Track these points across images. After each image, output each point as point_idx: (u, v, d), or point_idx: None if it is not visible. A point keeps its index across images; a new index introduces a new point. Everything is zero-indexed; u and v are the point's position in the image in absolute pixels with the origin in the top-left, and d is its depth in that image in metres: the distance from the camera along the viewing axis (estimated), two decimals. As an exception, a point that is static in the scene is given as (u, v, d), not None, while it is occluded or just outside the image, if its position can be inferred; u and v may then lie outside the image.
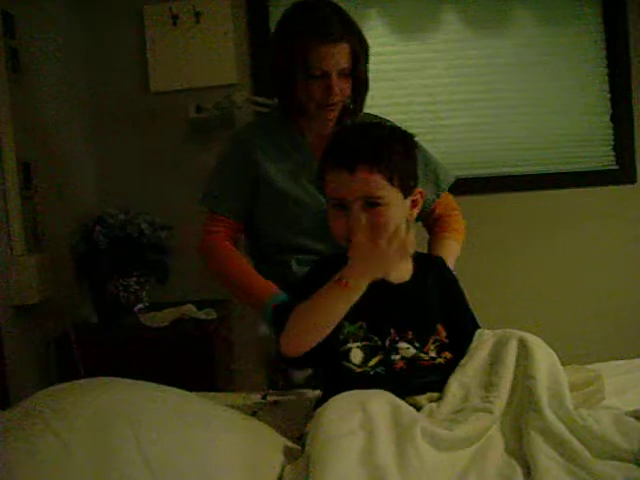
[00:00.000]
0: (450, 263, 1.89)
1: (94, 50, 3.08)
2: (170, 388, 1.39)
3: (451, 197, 2.16)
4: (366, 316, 1.51)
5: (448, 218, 2.11)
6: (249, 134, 2.07)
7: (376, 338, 1.51)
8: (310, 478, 1.14)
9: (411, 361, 1.51)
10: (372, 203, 1.50)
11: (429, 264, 1.69)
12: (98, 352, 2.52)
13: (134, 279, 2.78)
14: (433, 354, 1.54)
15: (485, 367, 1.46)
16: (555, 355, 1.47)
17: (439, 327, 1.57)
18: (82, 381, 1.35)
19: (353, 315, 1.49)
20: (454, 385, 1.44)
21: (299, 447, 1.38)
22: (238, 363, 3.02)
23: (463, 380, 1.45)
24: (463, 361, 1.50)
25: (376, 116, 2.10)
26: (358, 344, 1.50)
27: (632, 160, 3.17)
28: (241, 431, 1.34)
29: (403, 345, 1.51)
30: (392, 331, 1.52)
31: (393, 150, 1.52)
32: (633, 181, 3.17)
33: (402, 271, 1.60)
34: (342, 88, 1.91)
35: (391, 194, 1.51)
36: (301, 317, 1.48)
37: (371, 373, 1.48)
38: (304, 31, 1.87)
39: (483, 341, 1.53)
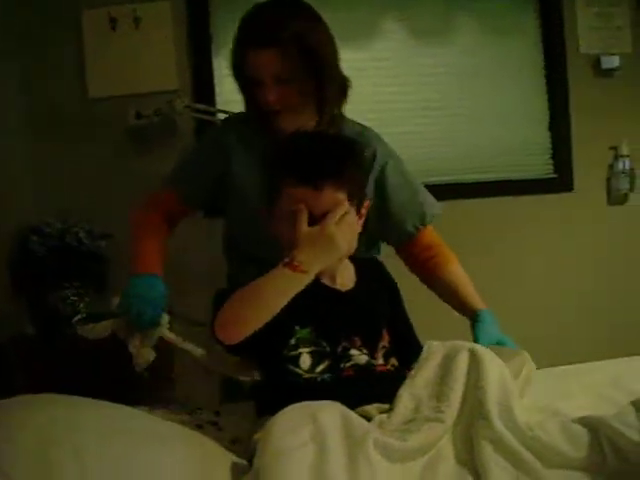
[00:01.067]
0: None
1: (31, 55, 2.99)
2: (113, 405, 1.34)
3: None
4: (315, 321, 1.50)
5: (441, 248, 2.06)
6: (225, 138, 1.98)
7: (325, 344, 1.50)
8: None
9: (363, 369, 1.50)
10: None
11: (370, 268, 1.70)
12: (36, 365, 2.44)
13: (72, 290, 2.71)
14: (381, 361, 1.54)
15: (435, 378, 1.45)
16: (504, 366, 1.47)
17: (384, 332, 1.58)
18: (20, 398, 1.30)
19: (303, 320, 1.49)
20: (405, 396, 1.43)
21: (246, 462, 1.35)
22: (180, 372, 2.97)
23: (413, 392, 1.43)
24: (413, 372, 1.49)
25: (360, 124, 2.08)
26: (307, 349, 1.49)
27: (569, 168, 3.23)
28: (185, 447, 1.29)
29: (355, 352, 1.51)
30: (342, 339, 1.51)
31: (354, 166, 1.54)
32: (570, 189, 3.24)
33: (346, 277, 1.60)
34: (282, 94, 1.78)
35: (350, 209, 1.53)
36: (246, 299, 1.44)
37: (318, 380, 1.47)
38: (239, 37, 1.80)
39: (432, 352, 1.52)
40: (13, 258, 2.67)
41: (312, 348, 1.49)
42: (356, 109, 3.10)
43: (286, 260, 1.45)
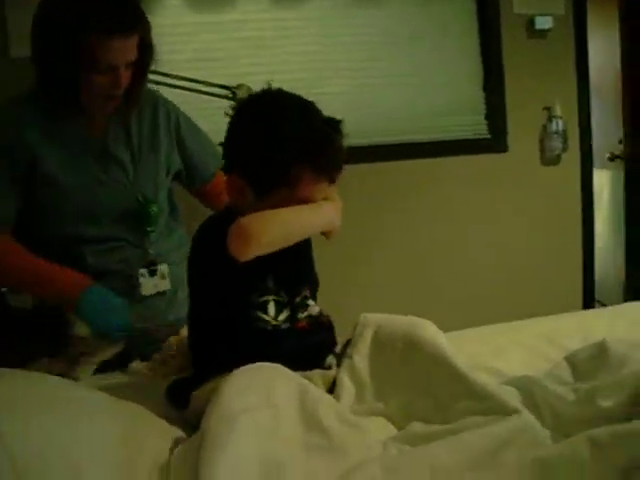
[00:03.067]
0: None
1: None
2: (36, 374, 1.29)
3: None
4: (274, 270, 1.44)
5: None
6: (16, 112, 1.84)
7: (283, 294, 1.46)
8: (200, 460, 1.04)
9: (314, 319, 1.49)
10: None
11: None
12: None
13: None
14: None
15: (372, 356, 1.44)
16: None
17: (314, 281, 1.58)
18: None
19: (272, 268, 1.43)
20: (345, 381, 1.41)
21: (181, 432, 1.31)
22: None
23: (354, 376, 1.42)
24: (349, 351, 1.47)
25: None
26: (272, 297, 1.44)
27: (504, 129, 3.24)
28: (113, 414, 1.24)
29: (312, 302, 1.50)
30: (300, 288, 1.49)
31: None
32: (504, 150, 3.25)
33: None
34: (127, 79, 1.78)
35: None
36: (285, 220, 1.39)
37: (282, 328, 1.43)
38: (88, 23, 1.66)
39: (365, 326, 1.50)
40: None
41: (274, 297, 1.44)
42: (289, 69, 3.08)
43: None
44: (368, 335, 1.46)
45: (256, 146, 1.39)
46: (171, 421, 1.37)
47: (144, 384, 1.67)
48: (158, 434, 1.28)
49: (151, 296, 1.93)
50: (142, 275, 1.91)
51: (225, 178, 1.46)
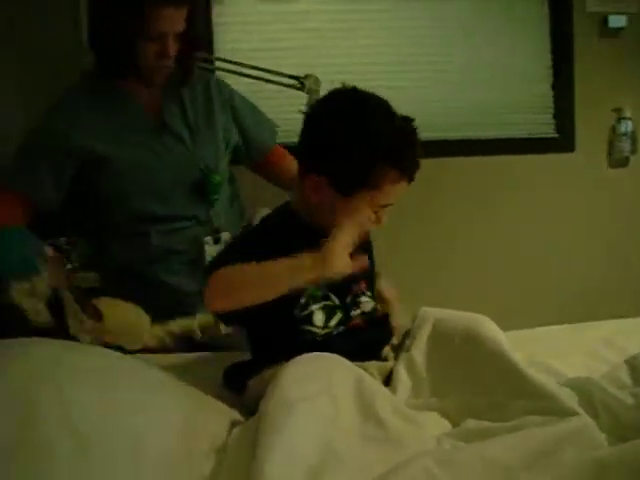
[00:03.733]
0: None
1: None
2: (96, 347, 1.32)
3: None
4: None
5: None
6: (72, 100, 1.95)
7: (334, 296, 1.46)
8: (257, 442, 1.07)
9: (369, 315, 1.49)
10: None
11: None
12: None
13: (65, 239, 2.67)
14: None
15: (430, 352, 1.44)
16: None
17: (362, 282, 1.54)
18: (5, 341, 1.28)
19: None
20: (402, 373, 1.41)
21: (241, 413, 1.34)
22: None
23: (411, 368, 1.42)
24: (407, 343, 1.47)
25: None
26: (319, 305, 1.44)
27: (571, 128, 3.18)
28: (173, 393, 1.28)
29: (364, 299, 1.49)
30: (352, 286, 1.48)
31: None
32: (572, 149, 3.20)
33: None
34: (175, 50, 1.90)
35: None
36: (254, 279, 1.33)
37: (334, 333, 1.44)
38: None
39: (425, 319, 1.50)
40: None
41: (322, 303, 1.45)
42: (350, 62, 3.08)
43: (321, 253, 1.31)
44: (427, 329, 1.46)
45: (339, 144, 1.38)
46: (227, 403, 1.40)
47: (202, 365, 1.70)
48: (215, 416, 1.31)
49: None
50: (207, 242, 1.97)
51: (304, 177, 1.45)
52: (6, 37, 2.66)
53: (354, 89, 1.46)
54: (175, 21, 1.86)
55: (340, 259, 1.30)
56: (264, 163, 2.26)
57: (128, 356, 1.39)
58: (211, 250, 1.97)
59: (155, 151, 1.95)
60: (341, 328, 1.45)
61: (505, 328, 1.50)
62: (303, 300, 1.42)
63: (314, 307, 1.43)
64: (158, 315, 1.84)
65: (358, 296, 1.49)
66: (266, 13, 3.03)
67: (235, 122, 2.15)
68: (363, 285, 1.51)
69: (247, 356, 1.55)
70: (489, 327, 1.42)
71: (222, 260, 1.39)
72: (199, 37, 2.03)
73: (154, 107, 1.99)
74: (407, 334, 1.51)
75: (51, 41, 2.79)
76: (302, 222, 1.47)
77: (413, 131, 1.43)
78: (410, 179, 1.42)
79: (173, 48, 1.88)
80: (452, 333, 1.42)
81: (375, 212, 1.43)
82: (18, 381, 1.09)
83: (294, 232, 1.44)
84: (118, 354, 1.35)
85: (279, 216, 1.52)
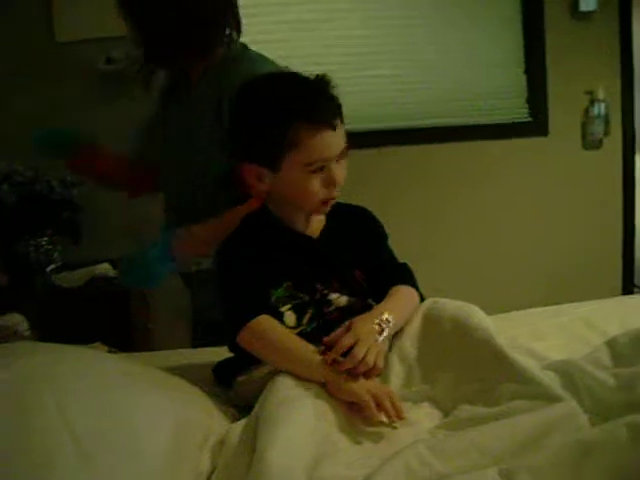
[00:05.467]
0: None
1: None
2: (90, 350, 1.34)
3: None
4: (290, 275, 1.47)
5: None
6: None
7: (302, 294, 1.47)
8: (257, 436, 1.10)
9: (345, 309, 1.49)
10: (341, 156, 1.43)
11: (341, 211, 1.60)
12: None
13: (45, 238, 2.68)
14: (358, 299, 1.53)
15: (420, 337, 1.45)
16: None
17: (357, 273, 1.55)
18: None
19: (276, 279, 1.46)
20: (394, 362, 1.42)
21: (231, 409, 1.36)
22: (155, 322, 2.97)
23: (402, 354, 1.43)
24: (399, 333, 1.47)
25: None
26: (288, 306, 1.46)
27: (545, 113, 3.22)
28: (166, 391, 1.30)
29: (334, 296, 1.49)
30: (318, 285, 1.49)
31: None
32: (545, 133, 3.23)
33: (315, 223, 1.55)
34: None
35: None
36: (275, 349, 1.37)
37: (308, 330, 1.45)
38: None
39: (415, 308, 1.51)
40: (-17, 207, 2.63)
41: (292, 303, 1.46)
42: (331, 52, 3.10)
43: (327, 374, 1.30)
44: (418, 318, 1.48)
45: (249, 122, 1.43)
46: (219, 399, 1.44)
47: (192, 362, 1.72)
48: (206, 411, 1.34)
49: None
50: None
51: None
52: None
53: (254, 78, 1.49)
54: None
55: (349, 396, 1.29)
56: None
57: (120, 357, 1.40)
58: None
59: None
60: (314, 324, 1.47)
61: (485, 311, 1.52)
62: (272, 302, 1.45)
63: (284, 308, 1.46)
64: None
65: (326, 294, 1.49)
66: (245, 6, 3.02)
67: None
68: (334, 284, 1.50)
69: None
70: (478, 315, 1.44)
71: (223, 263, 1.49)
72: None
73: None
74: None
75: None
76: (274, 220, 1.51)
77: (317, 82, 1.44)
78: (329, 126, 1.39)
79: None
80: (442, 321, 1.43)
81: (322, 173, 1.41)
82: (14, 386, 1.09)
83: (267, 230, 1.50)
84: (112, 356, 1.36)
85: (254, 217, 1.55)
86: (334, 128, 1.39)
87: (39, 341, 1.45)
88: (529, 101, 3.24)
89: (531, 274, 3.26)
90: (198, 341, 1.98)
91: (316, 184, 1.41)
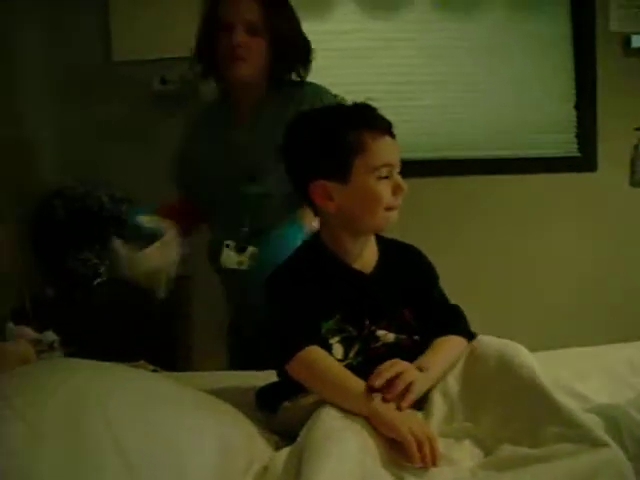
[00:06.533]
0: None
1: (54, 16, 2.99)
2: (136, 369, 1.36)
3: None
4: (340, 308, 1.48)
5: None
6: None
7: (351, 328, 1.49)
8: (302, 467, 1.12)
9: (392, 345, 1.50)
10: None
11: (394, 250, 1.63)
12: (55, 327, 2.46)
13: (93, 253, 2.73)
14: (406, 337, 1.53)
15: (464, 377, 1.45)
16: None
17: (406, 312, 1.56)
18: (46, 363, 1.32)
19: (327, 311, 1.47)
20: (437, 397, 1.43)
21: (273, 435, 1.38)
22: (197, 341, 3.00)
23: (445, 390, 1.43)
24: None
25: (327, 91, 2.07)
26: (337, 338, 1.47)
27: (594, 148, 3.19)
28: (210, 413, 1.33)
29: (382, 332, 1.50)
30: (367, 321, 1.50)
31: None
32: (594, 169, 3.21)
33: (369, 257, 1.56)
34: (249, 45, 1.87)
35: None
36: (324, 382, 1.39)
37: (354, 363, 1.46)
38: None
39: None
40: (35, 221, 2.69)
41: (340, 336, 1.48)
42: (380, 81, 3.12)
43: (371, 407, 1.32)
44: (462, 354, 1.48)
45: (312, 139, 1.48)
46: (258, 423, 1.45)
47: (233, 385, 1.73)
48: (249, 436, 1.36)
49: None
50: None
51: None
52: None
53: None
54: (242, 9, 1.87)
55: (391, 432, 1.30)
56: None
57: (165, 377, 1.42)
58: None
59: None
60: (361, 358, 1.48)
61: (530, 349, 1.52)
62: (322, 333, 1.47)
63: (332, 340, 1.47)
64: None
65: (374, 330, 1.50)
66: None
67: None
68: (382, 321, 1.51)
69: (274, 377, 1.58)
70: (522, 353, 1.44)
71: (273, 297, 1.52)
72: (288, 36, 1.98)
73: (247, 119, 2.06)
74: None
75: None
76: (328, 253, 1.52)
77: (367, 104, 1.51)
78: (389, 133, 1.47)
79: (243, 40, 1.88)
80: (486, 359, 1.44)
81: (387, 181, 1.46)
82: (64, 403, 1.12)
83: (320, 261, 1.52)
84: (157, 376, 1.39)
85: (307, 249, 1.59)
86: (393, 136, 1.48)
87: (79, 356, 1.47)
88: (578, 136, 3.22)
89: (576, 312, 3.21)
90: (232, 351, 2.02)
91: (386, 189, 1.45)
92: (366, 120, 1.47)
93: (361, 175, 1.45)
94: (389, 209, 1.47)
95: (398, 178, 1.47)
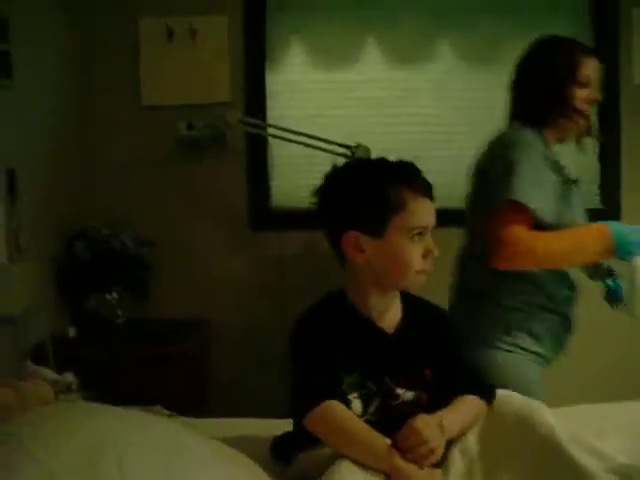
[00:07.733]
0: None
1: (87, 58, 3.07)
2: (154, 417, 1.35)
3: None
4: (360, 364, 1.47)
5: None
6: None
7: (370, 384, 1.48)
8: None
9: (411, 403, 1.49)
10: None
11: (417, 309, 1.62)
12: (76, 366, 2.47)
13: (114, 294, 2.75)
14: (425, 395, 1.52)
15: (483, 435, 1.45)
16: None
17: (427, 372, 1.55)
18: (64, 405, 1.32)
19: (349, 366, 1.46)
20: (456, 454, 1.42)
21: None
22: (211, 386, 2.99)
23: (464, 448, 1.43)
24: None
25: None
26: (355, 394, 1.46)
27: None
28: (226, 466, 1.32)
29: (401, 390, 1.49)
30: (387, 379, 1.49)
31: None
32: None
33: (392, 316, 1.56)
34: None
35: None
36: (347, 440, 1.38)
37: (373, 419, 1.45)
38: (569, 44, 2.12)
39: None
40: (58, 261, 2.71)
41: (360, 391, 1.47)
42: (404, 130, 3.14)
43: (393, 463, 1.33)
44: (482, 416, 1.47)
45: (351, 190, 1.48)
46: (272, 474, 1.44)
47: (247, 433, 1.73)
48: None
49: None
50: None
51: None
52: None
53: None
54: (598, 70, 2.13)
55: None
56: None
57: (180, 425, 1.42)
58: None
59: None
60: (380, 415, 1.47)
61: (549, 405, 1.50)
62: (343, 388, 1.45)
63: (352, 396, 1.46)
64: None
65: (394, 388, 1.49)
66: (317, 81, 3.12)
67: None
68: (402, 380, 1.50)
69: (288, 426, 1.57)
70: (541, 411, 1.42)
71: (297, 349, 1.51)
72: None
73: None
74: None
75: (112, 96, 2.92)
76: (352, 307, 1.52)
77: (410, 162, 1.53)
78: (428, 196, 1.48)
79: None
80: (506, 417, 1.42)
81: (421, 242, 1.46)
82: (79, 449, 1.12)
83: (343, 315, 1.51)
84: (173, 423, 1.38)
85: (331, 301, 1.56)
86: (432, 198, 1.48)
87: (94, 398, 1.47)
88: (602, 188, 3.22)
89: (596, 368, 3.17)
90: None
91: (417, 252, 1.46)
92: (409, 179, 1.47)
93: (395, 233, 1.45)
94: (419, 272, 1.47)
95: (430, 242, 1.47)
